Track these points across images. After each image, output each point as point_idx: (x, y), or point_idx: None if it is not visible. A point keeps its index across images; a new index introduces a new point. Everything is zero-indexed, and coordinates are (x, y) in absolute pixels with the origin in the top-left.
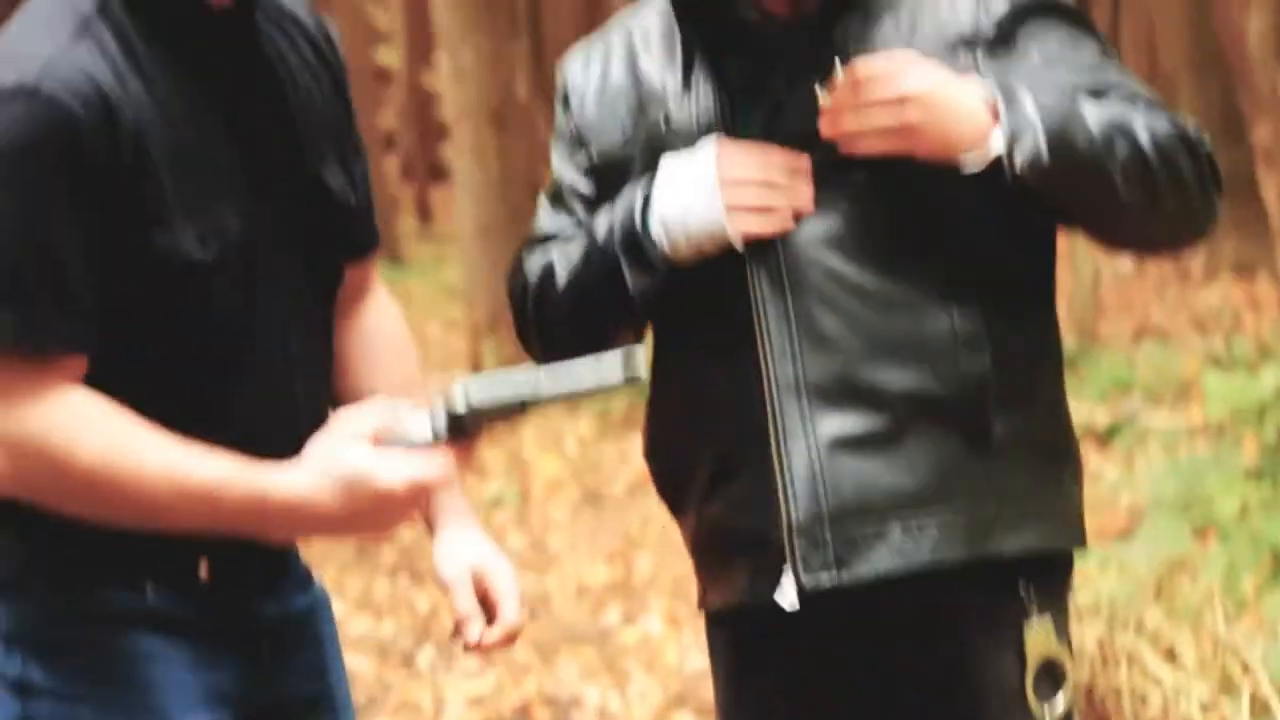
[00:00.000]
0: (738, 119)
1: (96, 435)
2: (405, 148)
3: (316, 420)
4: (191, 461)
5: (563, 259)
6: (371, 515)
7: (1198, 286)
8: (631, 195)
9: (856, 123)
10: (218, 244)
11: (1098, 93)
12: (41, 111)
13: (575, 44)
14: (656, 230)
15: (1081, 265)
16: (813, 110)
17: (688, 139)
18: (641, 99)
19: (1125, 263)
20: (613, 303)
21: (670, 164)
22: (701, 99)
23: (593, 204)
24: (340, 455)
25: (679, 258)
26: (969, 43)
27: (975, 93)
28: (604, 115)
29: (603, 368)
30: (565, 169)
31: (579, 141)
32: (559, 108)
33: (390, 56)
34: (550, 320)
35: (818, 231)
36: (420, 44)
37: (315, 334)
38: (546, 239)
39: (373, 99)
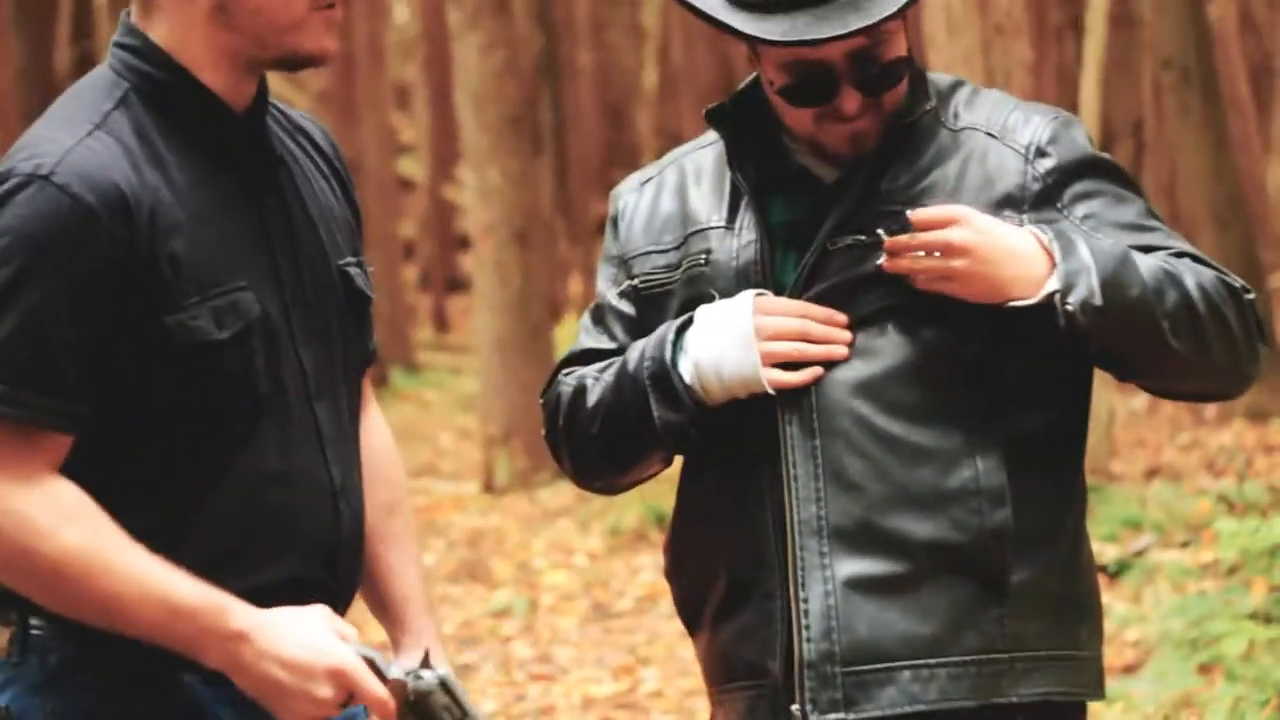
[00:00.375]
0: (776, 264)
1: (74, 528)
2: (424, 258)
3: (352, 505)
4: (160, 570)
5: (596, 380)
6: (308, 683)
7: (1211, 428)
8: (665, 332)
9: (910, 267)
10: (236, 323)
11: (1144, 248)
12: (53, 199)
13: (627, 173)
14: (688, 371)
15: (1096, 403)
16: (855, 260)
17: (727, 277)
18: (687, 232)
19: (1138, 401)
20: (639, 430)
21: (708, 311)
22: (744, 240)
23: (633, 325)
24: (309, 621)
25: (708, 399)
26: (1015, 201)
27: (1029, 239)
28: (649, 243)
29: None
30: (608, 290)
31: (623, 265)
32: (609, 230)
33: (413, 167)
34: (579, 437)
35: (850, 378)
36: (443, 157)
37: (343, 419)
38: (584, 356)
39: (394, 208)
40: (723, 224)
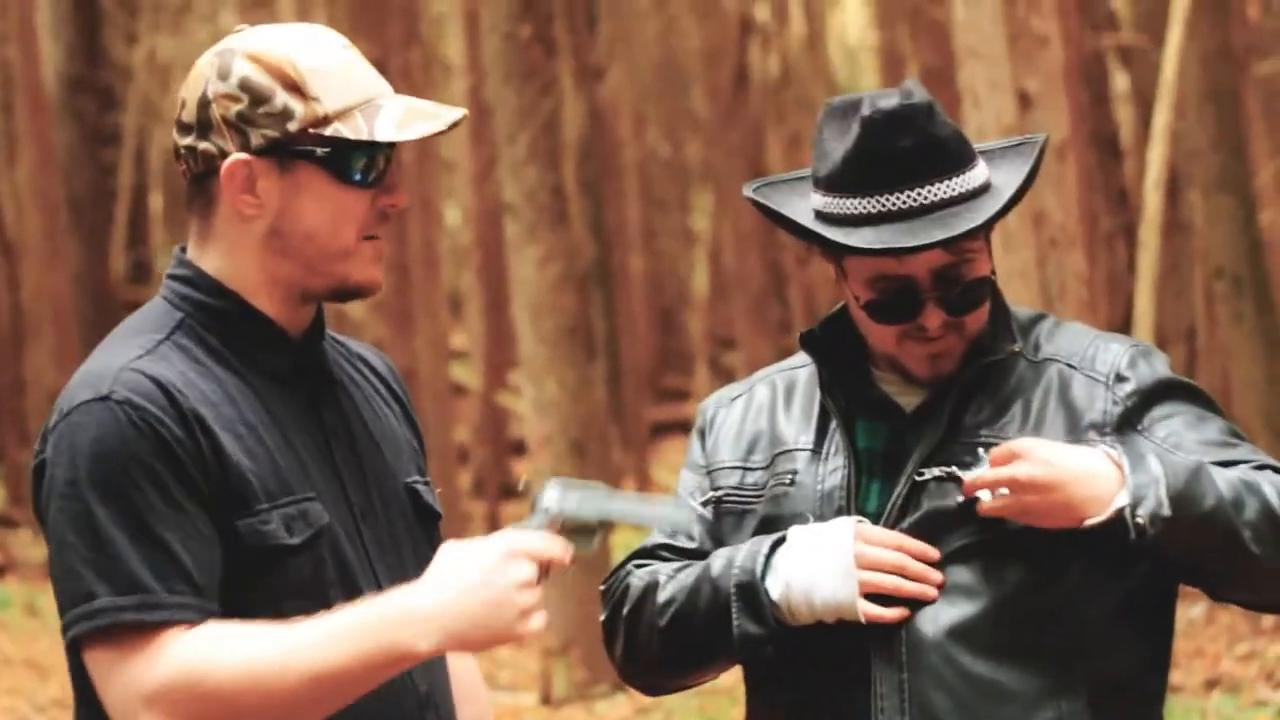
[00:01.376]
0: (860, 493)
1: (226, 650)
2: (477, 464)
3: (440, 715)
4: (311, 629)
5: (670, 578)
6: (490, 590)
7: (1270, 638)
8: (758, 546)
9: (988, 507)
10: (306, 530)
11: (1227, 464)
12: (115, 414)
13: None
14: (776, 588)
15: None
16: (941, 494)
17: (811, 500)
18: (774, 452)
19: (1197, 610)
20: (710, 636)
21: (804, 533)
22: (831, 466)
23: (712, 532)
24: (444, 554)
25: (792, 620)
26: (1098, 427)
27: (1099, 458)
28: (735, 459)
29: (660, 504)
30: (689, 497)
31: (708, 475)
32: (695, 441)
33: (466, 374)
34: (642, 629)
35: (939, 617)
36: (496, 363)
37: None
38: (656, 550)
39: (448, 415)
40: (810, 447)
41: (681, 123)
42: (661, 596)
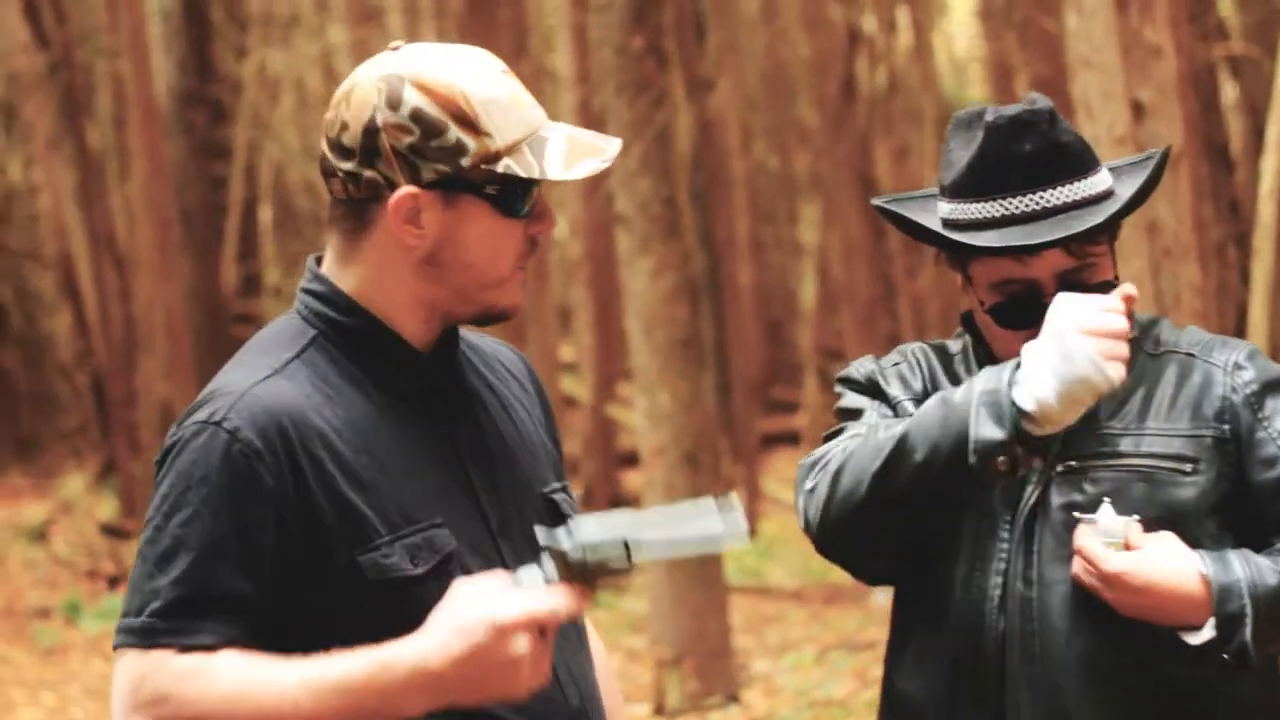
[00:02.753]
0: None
1: (227, 672)
2: (587, 475)
3: None
4: (317, 666)
5: (896, 422)
6: (495, 655)
7: None
8: (999, 368)
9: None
10: (431, 558)
11: None
12: (221, 443)
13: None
14: (1026, 399)
15: None
16: (1071, 487)
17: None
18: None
19: None
20: (936, 457)
21: (1033, 345)
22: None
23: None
24: (454, 606)
25: (1045, 424)
26: (1219, 413)
27: (1191, 579)
28: (914, 393)
29: (702, 519)
30: (873, 397)
31: (891, 406)
32: (861, 392)
33: (575, 386)
34: (847, 475)
35: (1067, 611)
36: (606, 376)
37: (570, 639)
38: (851, 415)
39: (559, 427)
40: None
41: (789, 134)
42: (883, 434)
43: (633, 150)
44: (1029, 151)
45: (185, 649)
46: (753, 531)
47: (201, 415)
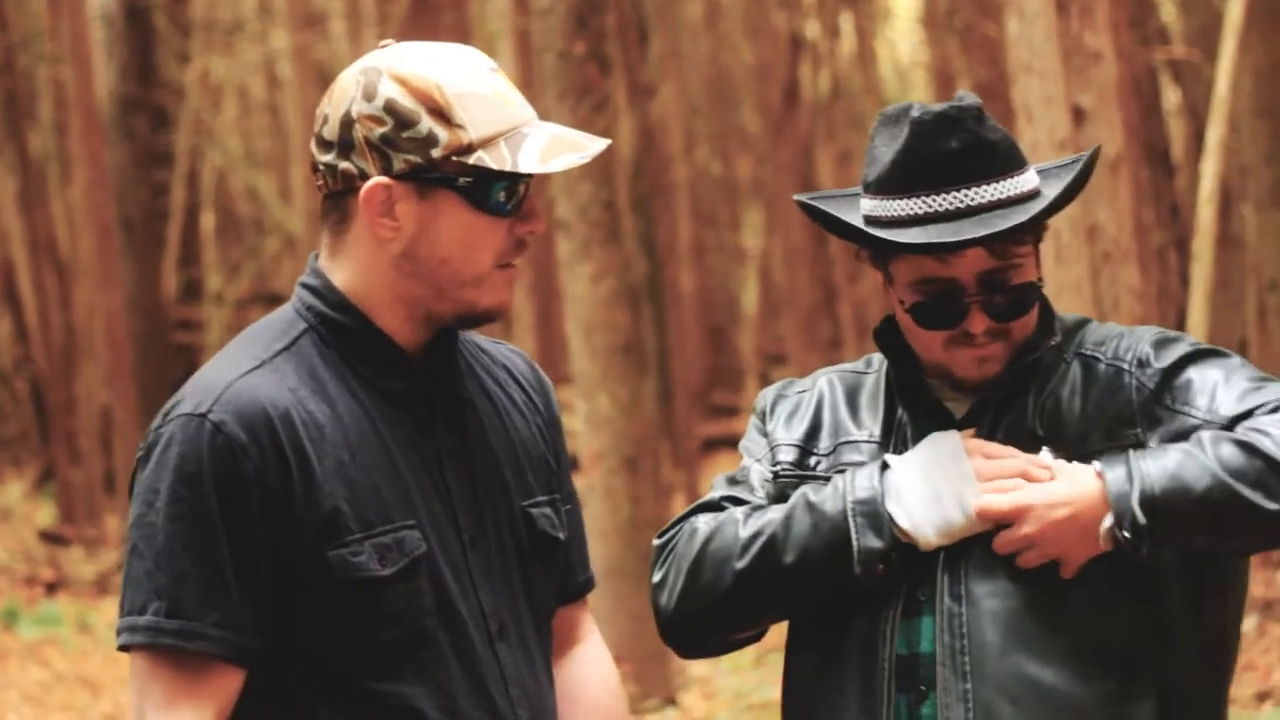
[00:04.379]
0: None
1: None
2: None
3: None
4: None
5: (750, 516)
6: None
7: None
8: (868, 471)
9: (1025, 561)
10: (400, 560)
11: (1244, 414)
12: (206, 436)
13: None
14: (900, 513)
15: None
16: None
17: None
18: (837, 441)
19: (1247, 624)
20: (804, 565)
21: (908, 458)
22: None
23: (773, 497)
24: None
25: (917, 543)
26: (1128, 417)
27: (1087, 481)
28: (796, 439)
29: None
30: (755, 463)
31: (770, 451)
32: (755, 422)
33: None
34: (705, 572)
35: (999, 623)
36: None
37: (533, 661)
38: (720, 502)
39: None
40: (877, 440)
41: (732, 139)
42: (744, 532)
43: None
44: (954, 149)
45: (190, 654)
46: None
47: (186, 408)
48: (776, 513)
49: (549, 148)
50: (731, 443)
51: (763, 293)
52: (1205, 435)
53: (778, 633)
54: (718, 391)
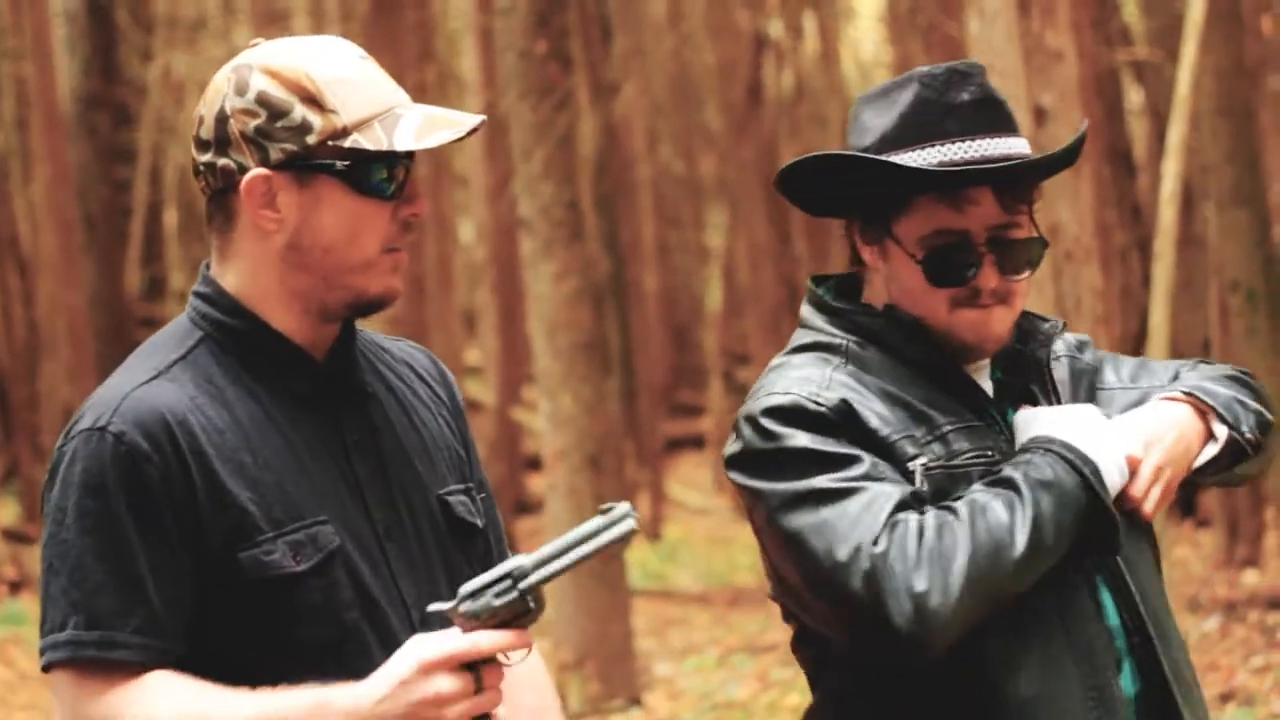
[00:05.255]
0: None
1: (169, 703)
2: (492, 479)
3: None
4: (256, 702)
5: (975, 498)
6: (417, 692)
7: None
8: (1048, 441)
9: (1152, 508)
10: (315, 555)
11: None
12: (108, 447)
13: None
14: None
15: None
16: None
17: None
18: (943, 429)
19: (1210, 623)
20: (1071, 535)
21: (1057, 420)
22: (1006, 437)
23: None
24: (394, 655)
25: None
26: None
27: (1167, 410)
28: (903, 434)
29: (587, 525)
30: (895, 468)
31: (882, 450)
32: (819, 433)
33: (480, 389)
34: (986, 566)
35: (1153, 588)
36: (511, 379)
37: None
38: (900, 508)
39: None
40: (975, 422)
41: (695, 138)
42: (1006, 519)
43: (536, 155)
44: (966, 100)
45: (113, 664)
46: (657, 535)
47: (85, 423)
48: (1009, 498)
49: (423, 126)
50: (696, 442)
51: (726, 291)
52: (1188, 374)
53: (741, 633)
54: (681, 390)
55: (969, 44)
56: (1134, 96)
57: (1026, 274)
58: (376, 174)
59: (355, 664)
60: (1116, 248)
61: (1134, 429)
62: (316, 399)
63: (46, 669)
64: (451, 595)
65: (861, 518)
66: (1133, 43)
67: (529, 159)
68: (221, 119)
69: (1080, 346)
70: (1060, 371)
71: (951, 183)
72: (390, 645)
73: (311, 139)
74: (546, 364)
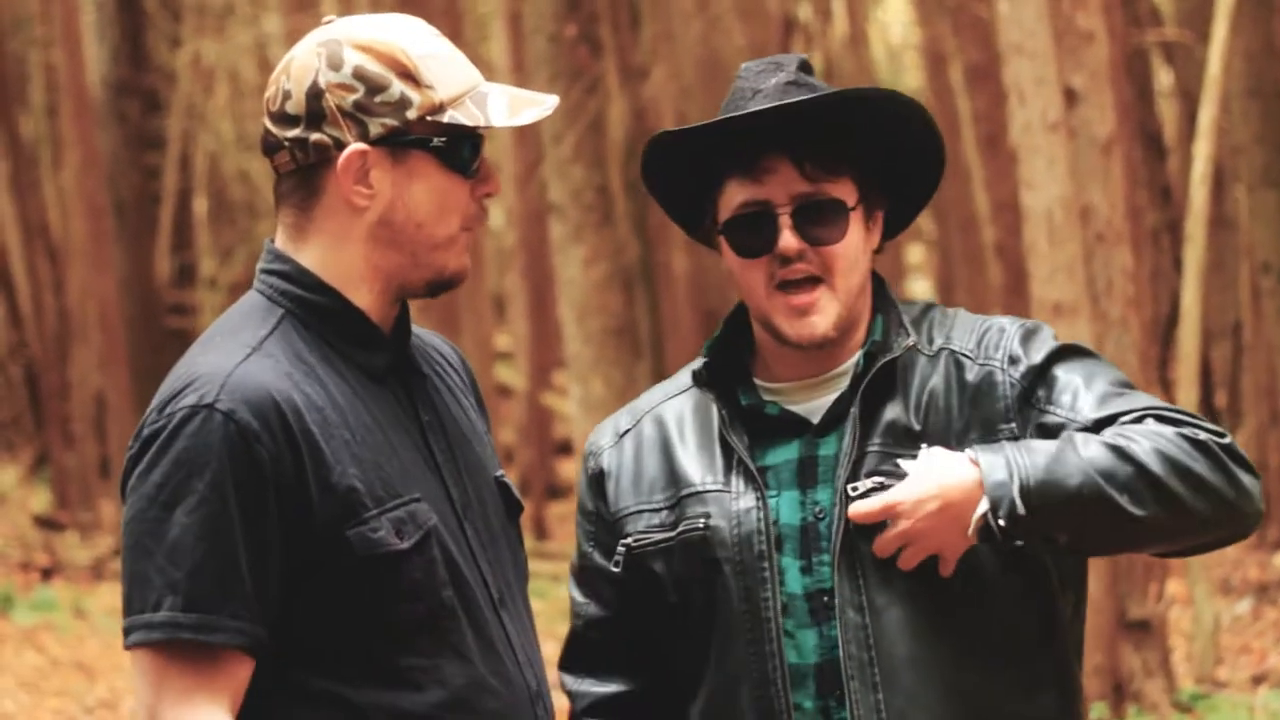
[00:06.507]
0: (776, 511)
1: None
2: (523, 464)
3: (548, 709)
4: None
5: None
6: None
7: None
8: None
9: (884, 541)
10: (416, 533)
11: (1111, 419)
12: (219, 426)
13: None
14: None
15: (1201, 610)
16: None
17: (727, 544)
18: (680, 493)
19: (1243, 606)
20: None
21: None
22: (744, 505)
23: (623, 589)
24: None
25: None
26: (1002, 413)
27: (966, 470)
28: (639, 502)
29: None
30: (594, 553)
31: (611, 527)
32: (588, 488)
33: (510, 374)
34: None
35: (905, 629)
36: (541, 365)
37: (525, 624)
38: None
39: (494, 416)
40: (719, 487)
41: None
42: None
43: (566, 139)
44: (773, 84)
45: (207, 647)
46: None
47: (190, 399)
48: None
49: (512, 104)
50: None
51: None
52: (1075, 435)
53: None
54: None
55: (999, 25)
56: (1164, 78)
57: (837, 243)
58: (466, 151)
59: (450, 640)
60: (1147, 230)
61: (898, 489)
62: (390, 378)
63: (135, 646)
64: (517, 573)
65: None
66: (1162, 24)
67: (559, 143)
68: (315, 93)
69: (1013, 359)
70: (934, 380)
71: (705, 132)
72: (477, 623)
73: (411, 114)
74: (577, 349)
